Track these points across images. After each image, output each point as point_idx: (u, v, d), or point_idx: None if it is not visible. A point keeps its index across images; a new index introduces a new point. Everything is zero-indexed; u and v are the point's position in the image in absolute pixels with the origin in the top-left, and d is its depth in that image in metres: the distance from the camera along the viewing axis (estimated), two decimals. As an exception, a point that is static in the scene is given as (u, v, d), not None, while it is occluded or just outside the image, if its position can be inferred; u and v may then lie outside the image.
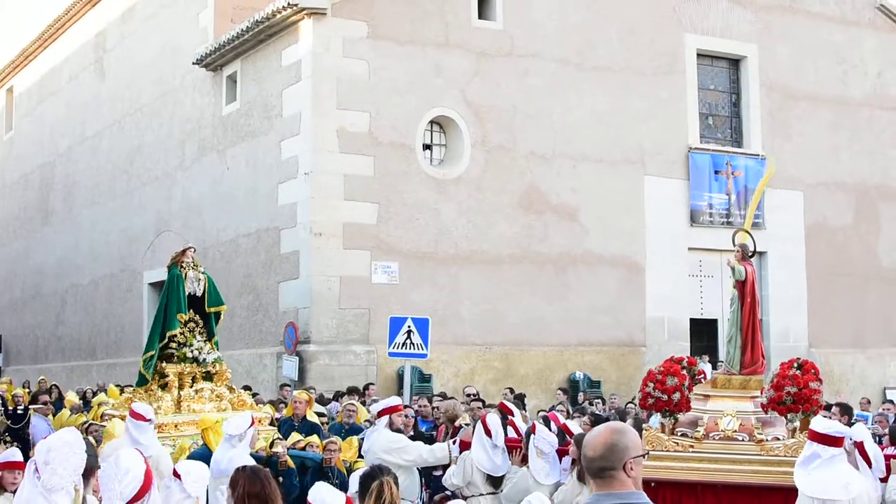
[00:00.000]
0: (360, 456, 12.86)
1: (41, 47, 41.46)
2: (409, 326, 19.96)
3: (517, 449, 11.44)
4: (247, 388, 17.03)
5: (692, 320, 28.36)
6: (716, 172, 29.30)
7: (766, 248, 29.73)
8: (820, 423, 8.85)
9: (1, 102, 46.41)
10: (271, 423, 14.46)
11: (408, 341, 19.92)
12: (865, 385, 28.26)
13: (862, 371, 30.41)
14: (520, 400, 20.61)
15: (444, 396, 20.44)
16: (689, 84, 29.38)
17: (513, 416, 12.58)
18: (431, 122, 26.03)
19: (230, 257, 27.20)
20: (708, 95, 30.27)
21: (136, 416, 11.06)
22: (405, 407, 16.43)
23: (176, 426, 12.78)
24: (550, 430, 12.14)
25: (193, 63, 28.80)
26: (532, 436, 11.21)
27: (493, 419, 11.45)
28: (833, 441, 8.61)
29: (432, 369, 24.32)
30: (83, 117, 37.47)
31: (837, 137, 31.36)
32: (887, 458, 11.13)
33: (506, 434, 11.81)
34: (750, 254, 11.94)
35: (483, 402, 17.45)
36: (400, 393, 21.39)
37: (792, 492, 9.89)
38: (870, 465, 10.27)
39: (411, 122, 25.55)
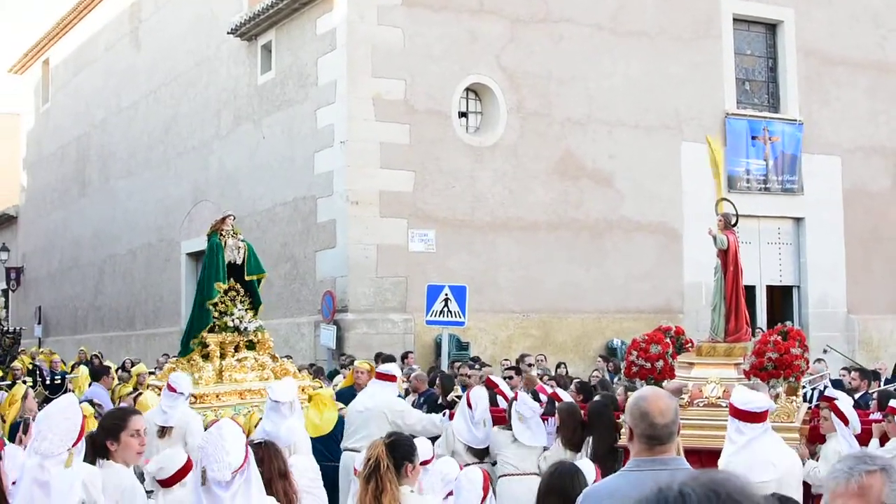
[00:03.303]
0: None
1: (76, 18, 41.53)
2: (446, 294, 19.93)
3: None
4: (287, 356, 17.02)
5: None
6: (753, 138, 29.12)
7: (804, 215, 29.64)
8: (740, 397, 8.39)
9: (37, 74, 46.58)
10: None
11: (445, 309, 19.89)
12: (904, 351, 28.09)
13: (902, 337, 30.26)
14: (561, 368, 20.60)
15: (477, 362, 20.48)
16: (725, 49, 29.19)
17: (496, 388, 12.57)
18: (467, 89, 25.97)
19: (266, 227, 27.26)
20: (744, 60, 30.06)
21: (171, 388, 11.13)
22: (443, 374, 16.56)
23: (217, 396, 12.66)
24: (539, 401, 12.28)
25: (228, 32, 28.81)
26: (514, 402, 11.30)
27: (477, 393, 11.51)
28: (754, 417, 8.15)
29: (470, 337, 24.33)
30: (119, 88, 37.57)
31: (875, 102, 31.09)
32: (872, 421, 11.05)
33: (497, 405, 11.90)
34: (732, 222, 11.90)
35: (518, 370, 17.52)
36: (438, 361, 21.49)
37: None
38: (846, 423, 10.08)
39: (447, 89, 25.50)
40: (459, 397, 12.90)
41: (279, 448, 7.06)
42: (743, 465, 7.81)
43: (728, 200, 12.17)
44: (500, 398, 12.31)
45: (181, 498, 7.23)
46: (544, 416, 11.57)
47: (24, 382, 18.35)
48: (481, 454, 11.36)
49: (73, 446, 6.19)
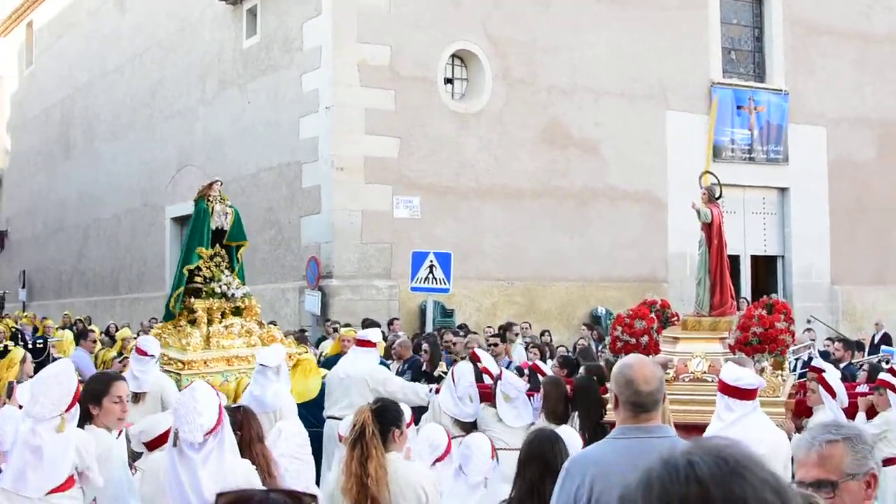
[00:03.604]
0: None
1: (60, -19, 41.32)
2: (431, 261, 19.91)
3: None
4: (273, 322, 17.01)
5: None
6: (738, 108, 29.14)
7: (789, 185, 29.74)
8: (730, 373, 8.25)
9: (21, 37, 46.31)
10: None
11: (430, 276, 19.89)
12: (888, 322, 28.15)
13: (885, 307, 30.31)
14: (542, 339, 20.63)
15: (463, 328, 20.48)
16: (711, 18, 29.18)
17: (481, 362, 12.55)
18: (453, 55, 25.91)
19: (251, 192, 27.21)
20: (730, 30, 30.05)
21: (139, 351, 11.11)
22: (426, 338, 16.58)
23: (205, 363, 12.60)
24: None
25: (213, -4, 28.69)
26: (499, 381, 11.28)
27: (461, 368, 11.48)
28: (744, 394, 8.02)
29: (455, 304, 24.37)
30: (103, 51, 37.37)
31: (861, 72, 31.12)
32: (859, 394, 11.05)
33: (481, 380, 11.91)
34: (717, 195, 11.87)
35: (503, 337, 17.52)
36: (423, 327, 21.50)
37: None
38: (833, 395, 10.07)
39: (432, 55, 25.44)
40: (445, 373, 12.88)
41: (255, 412, 7.08)
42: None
43: (712, 173, 12.11)
44: (485, 376, 12.28)
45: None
46: (529, 392, 11.56)
47: (6, 347, 18.29)
48: (469, 427, 11.37)
49: (65, 411, 6.20)
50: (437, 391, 11.83)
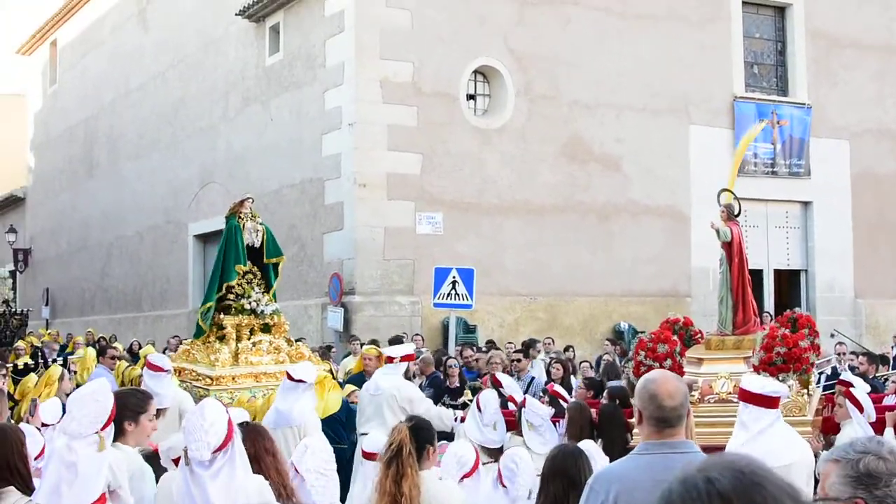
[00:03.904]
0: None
1: (84, 0, 41.52)
2: (453, 277, 19.92)
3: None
4: (300, 339, 17.00)
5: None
6: (761, 122, 29.07)
7: (812, 199, 29.65)
8: (752, 382, 8.07)
9: (45, 56, 46.56)
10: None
11: (453, 292, 19.89)
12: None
13: (908, 321, 30.23)
14: (564, 353, 20.61)
15: (489, 345, 20.45)
16: (733, 32, 29.16)
17: (502, 387, 12.47)
18: (475, 71, 25.96)
19: (274, 208, 27.24)
20: (753, 44, 30.02)
21: (153, 367, 11.06)
22: (449, 358, 16.56)
23: (234, 379, 12.68)
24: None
25: (236, 14, 28.77)
26: (523, 409, 11.23)
27: (486, 396, 11.40)
28: (769, 402, 7.84)
29: (477, 320, 24.36)
30: (126, 69, 37.55)
31: (883, 85, 31.05)
32: (886, 408, 10.92)
33: (506, 406, 11.87)
34: (735, 213, 11.83)
35: (526, 353, 17.48)
36: (446, 343, 21.48)
37: None
38: (861, 410, 9.84)
39: (455, 71, 25.49)
40: (471, 401, 12.84)
41: (265, 428, 7.09)
42: (757, 452, 7.17)
43: (730, 191, 12.04)
44: (510, 403, 12.23)
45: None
46: (555, 419, 11.52)
47: (27, 365, 18.35)
48: (496, 454, 11.33)
49: (101, 429, 6.23)
50: (463, 419, 11.80)
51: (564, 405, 11.80)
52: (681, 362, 11.29)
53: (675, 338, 11.79)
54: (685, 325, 12.35)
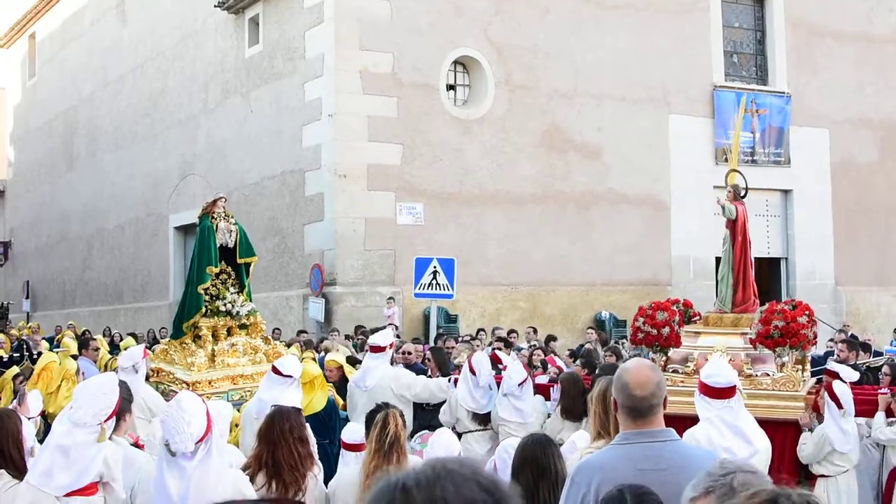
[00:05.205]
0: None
1: (62, -8, 41.41)
2: (434, 267, 19.87)
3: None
4: (276, 330, 16.97)
5: (717, 259, 28.13)
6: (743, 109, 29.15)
7: (792, 187, 29.72)
8: (707, 371, 7.84)
9: (23, 49, 46.41)
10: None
11: (433, 282, 19.85)
12: (891, 323, 28.11)
13: (888, 309, 30.33)
14: (546, 342, 20.63)
15: (479, 333, 20.44)
16: (713, 21, 29.20)
17: (501, 363, 12.53)
18: (455, 62, 25.95)
19: (255, 200, 27.24)
20: (732, 33, 30.07)
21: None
22: (430, 348, 16.55)
23: (210, 383, 12.50)
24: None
25: (215, 6, 28.71)
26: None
27: (479, 358, 11.49)
28: (720, 393, 7.64)
29: (458, 310, 24.38)
30: (105, 62, 37.44)
31: (863, 74, 31.14)
32: (878, 393, 10.93)
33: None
34: (742, 194, 11.92)
35: (511, 343, 17.50)
36: (427, 333, 21.49)
37: (780, 424, 9.81)
38: (840, 406, 9.65)
39: (434, 62, 25.47)
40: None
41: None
42: (719, 439, 7.38)
43: (738, 172, 12.16)
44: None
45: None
46: (550, 384, 11.61)
47: (12, 357, 18.34)
48: (485, 420, 11.38)
49: (104, 421, 6.29)
50: (455, 382, 11.85)
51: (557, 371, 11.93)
52: (678, 332, 11.32)
53: (675, 308, 11.81)
54: (685, 305, 12.37)
